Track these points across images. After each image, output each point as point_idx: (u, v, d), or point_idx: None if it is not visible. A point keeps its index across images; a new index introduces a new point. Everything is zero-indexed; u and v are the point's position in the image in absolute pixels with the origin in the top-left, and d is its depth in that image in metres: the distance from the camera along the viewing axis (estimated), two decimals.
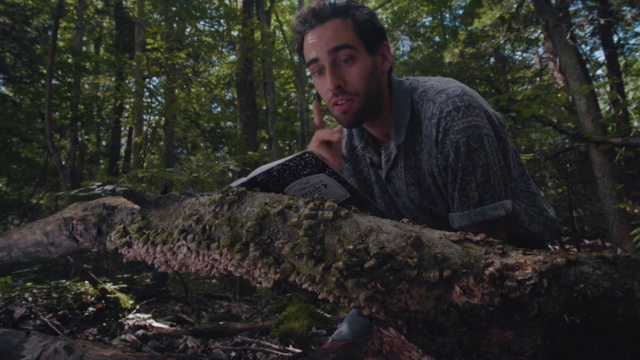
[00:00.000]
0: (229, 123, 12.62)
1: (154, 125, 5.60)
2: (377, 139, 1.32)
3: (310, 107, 11.62)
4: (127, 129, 10.52)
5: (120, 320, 2.68)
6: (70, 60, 7.56)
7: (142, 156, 5.24)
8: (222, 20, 8.02)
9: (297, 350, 1.98)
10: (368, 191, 1.42)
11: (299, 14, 1.18)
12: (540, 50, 10.37)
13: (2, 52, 7.46)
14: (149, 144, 5.34)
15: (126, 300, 3.02)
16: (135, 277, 4.94)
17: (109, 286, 3.05)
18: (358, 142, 1.34)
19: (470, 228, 1.11)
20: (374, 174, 1.36)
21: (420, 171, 1.21)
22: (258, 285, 0.76)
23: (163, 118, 5.53)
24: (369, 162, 1.35)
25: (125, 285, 3.54)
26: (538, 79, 10.54)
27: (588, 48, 9.77)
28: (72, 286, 2.89)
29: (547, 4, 5.32)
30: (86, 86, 11.12)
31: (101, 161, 12.37)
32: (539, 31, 8.75)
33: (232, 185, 0.94)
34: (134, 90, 6.47)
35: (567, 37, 5.26)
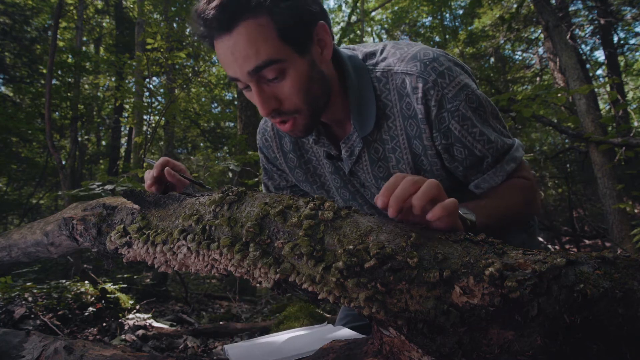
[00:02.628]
0: (229, 123, 12.62)
1: (154, 125, 5.60)
2: (329, 127, 1.11)
3: None
4: (127, 129, 10.52)
5: (120, 320, 2.68)
6: (70, 60, 7.56)
7: (142, 156, 5.24)
8: None
9: None
10: (318, 182, 1.22)
11: (197, 14, 0.85)
12: (540, 50, 10.37)
13: (2, 52, 7.46)
14: (149, 144, 5.34)
15: (126, 300, 3.02)
16: (135, 277, 4.94)
17: (109, 286, 3.05)
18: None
19: (502, 185, 1.01)
20: (331, 164, 1.15)
21: (391, 162, 1.05)
22: (258, 285, 0.76)
23: (163, 118, 5.53)
24: (325, 154, 1.14)
25: (125, 285, 3.55)
26: (538, 79, 10.54)
27: (588, 48, 9.78)
28: (72, 286, 2.89)
29: (547, 4, 5.32)
30: (86, 86, 11.12)
31: (101, 161, 12.37)
32: (539, 31, 8.75)
33: None
34: (134, 90, 6.47)
35: (567, 37, 5.26)
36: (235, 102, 9.31)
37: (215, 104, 14.05)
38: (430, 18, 13.45)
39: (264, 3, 0.82)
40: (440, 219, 0.68)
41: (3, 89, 8.40)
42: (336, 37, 15.75)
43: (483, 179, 1.02)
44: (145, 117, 6.46)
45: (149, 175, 1.04)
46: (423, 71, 0.92)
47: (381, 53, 1.02)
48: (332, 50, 0.95)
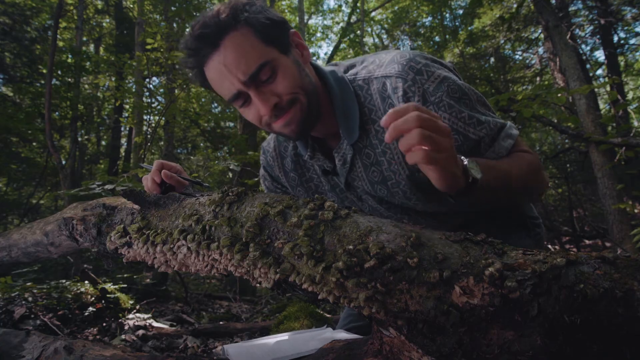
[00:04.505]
0: (229, 123, 12.61)
1: (154, 125, 5.60)
2: (324, 142, 1.17)
3: None
4: (127, 129, 10.52)
5: (120, 320, 2.68)
6: (70, 60, 7.55)
7: (142, 156, 5.24)
8: None
9: None
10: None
11: (185, 46, 0.96)
12: (540, 50, 10.36)
13: (2, 52, 7.46)
14: (149, 144, 5.34)
15: (126, 300, 3.01)
16: (135, 277, 4.93)
17: (109, 286, 3.04)
18: (303, 151, 1.16)
19: (509, 155, 1.02)
20: (328, 181, 1.20)
21: (383, 166, 1.08)
22: (258, 285, 0.76)
23: (163, 118, 5.53)
24: (321, 170, 1.19)
25: (125, 285, 3.54)
26: (538, 79, 10.54)
27: (588, 48, 9.77)
28: (72, 286, 2.89)
29: (547, 4, 5.32)
30: (86, 86, 11.12)
31: (101, 161, 12.35)
32: (539, 31, 8.75)
33: None
34: (134, 90, 6.47)
35: (567, 37, 5.26)
36: None
37: (215, 104, 14.04)
38: (430, 18, 13.45)
39: (241, 17, 0.93)
40: (429, 160, 0.71)
41: (3, 89, 8.40)
42: (336, 37, 15.72)
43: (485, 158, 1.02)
44: (145, 117, 6.45)
45: (148, 181, 1.06)
46: (401, 71, 0.97)
47: (361, 63, 1.09)
48: (309, 53, 1.04)
